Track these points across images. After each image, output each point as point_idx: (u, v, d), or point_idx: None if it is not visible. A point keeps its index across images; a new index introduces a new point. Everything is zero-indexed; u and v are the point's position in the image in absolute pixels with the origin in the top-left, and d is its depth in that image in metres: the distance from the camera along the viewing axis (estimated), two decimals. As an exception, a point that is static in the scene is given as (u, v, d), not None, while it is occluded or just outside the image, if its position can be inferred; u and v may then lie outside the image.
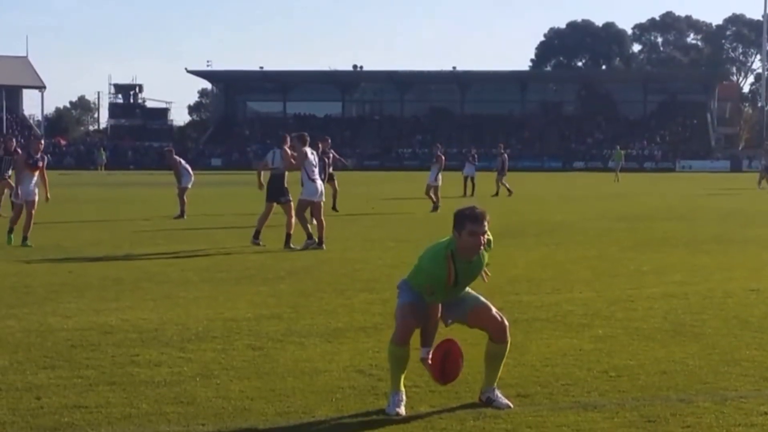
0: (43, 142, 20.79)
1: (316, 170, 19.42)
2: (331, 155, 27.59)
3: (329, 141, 27.11)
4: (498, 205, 31.71)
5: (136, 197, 37.48)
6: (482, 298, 7.57)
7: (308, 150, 19.18)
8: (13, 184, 22.84)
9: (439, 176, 30.88)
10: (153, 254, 17.58)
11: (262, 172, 20.13)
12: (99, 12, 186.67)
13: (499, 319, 7.49)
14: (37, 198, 19.46)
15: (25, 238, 18.87)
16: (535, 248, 18.93)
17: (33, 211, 19.24)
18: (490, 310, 7.50)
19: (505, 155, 42.22)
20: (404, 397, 7.30)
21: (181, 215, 26.20)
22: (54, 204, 21.65)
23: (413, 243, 19.50)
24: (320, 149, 24.16)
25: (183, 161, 28.39)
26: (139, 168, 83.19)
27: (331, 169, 27.37)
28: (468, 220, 7.07)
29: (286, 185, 19.51)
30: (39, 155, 19.48)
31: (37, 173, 19.40)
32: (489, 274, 7.70)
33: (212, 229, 23.43)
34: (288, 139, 19.61)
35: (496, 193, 39.62)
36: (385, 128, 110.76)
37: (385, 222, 25.84)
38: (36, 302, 12.05)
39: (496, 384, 7.50)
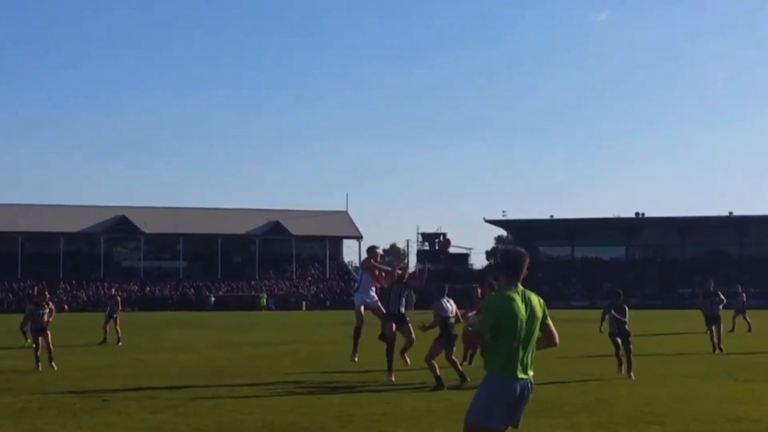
0: None
1: None
2: None
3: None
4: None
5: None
6: None
7: None
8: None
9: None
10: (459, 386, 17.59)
11: None
12: (408, 172, 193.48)
13: None
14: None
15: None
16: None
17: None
18: None
19: (744, 294, 41.78)
20: None
21: None
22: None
23: (697, 378, 18.80)
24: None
25: None
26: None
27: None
28: None
29: None
30: None
31: None
32: None
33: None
34: None
35: (732, 329, 38.08)
36: (666, 270, 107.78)
37: (669, 360, 24.88)
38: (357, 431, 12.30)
39: None
